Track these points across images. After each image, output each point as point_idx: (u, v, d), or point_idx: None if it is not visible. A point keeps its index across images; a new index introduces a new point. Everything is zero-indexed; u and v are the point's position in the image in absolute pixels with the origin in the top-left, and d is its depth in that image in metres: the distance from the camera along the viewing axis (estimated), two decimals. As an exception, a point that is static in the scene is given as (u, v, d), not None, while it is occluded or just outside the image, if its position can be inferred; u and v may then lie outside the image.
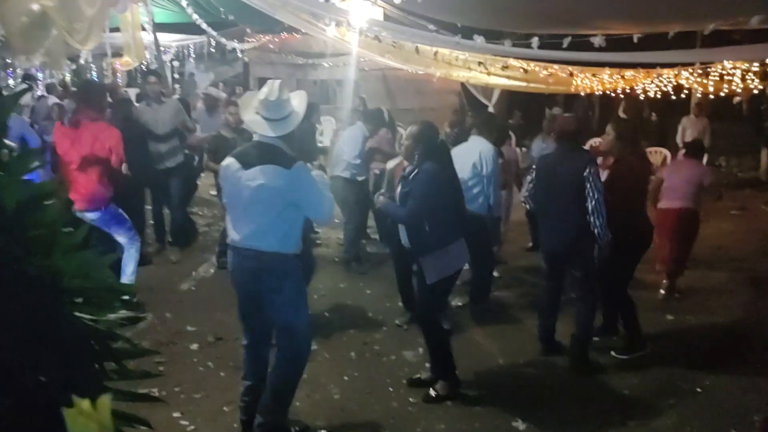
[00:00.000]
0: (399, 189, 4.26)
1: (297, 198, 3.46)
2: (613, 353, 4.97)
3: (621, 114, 15.78)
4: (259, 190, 3.42)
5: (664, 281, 6.25)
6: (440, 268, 4.13)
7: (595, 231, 4.43)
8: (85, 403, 0.81)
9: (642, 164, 5.13)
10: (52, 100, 10.59)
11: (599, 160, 4.96)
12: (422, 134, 4.15)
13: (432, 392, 4.30)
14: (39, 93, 10.46)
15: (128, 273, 5.51)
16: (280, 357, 3.70)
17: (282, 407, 3.73)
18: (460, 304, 5.92)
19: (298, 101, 3.62)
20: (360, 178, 7.01)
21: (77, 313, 1.80)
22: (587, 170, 4.43)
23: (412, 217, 4.10)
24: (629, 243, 4.76)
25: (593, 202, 4.40)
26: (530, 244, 7.62)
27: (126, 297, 1.94)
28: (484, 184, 5.45)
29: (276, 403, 3.69)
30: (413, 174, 4.14)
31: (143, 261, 6.32)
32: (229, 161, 3.59)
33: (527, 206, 5.15)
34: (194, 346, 5.06)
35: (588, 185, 4.41)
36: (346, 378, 4.62)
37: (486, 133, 5.73)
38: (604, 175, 4.77)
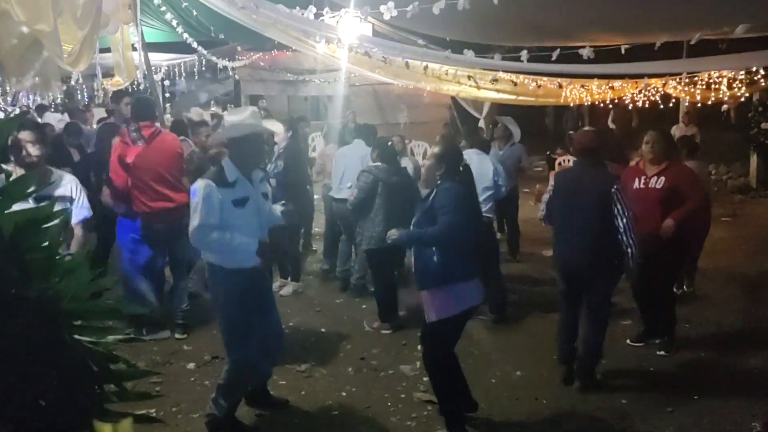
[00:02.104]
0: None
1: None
2: (661, 352, 5.16)
3: (610, 124, 15.99)
4: None
5: None
6: (441, 307, 3.83)
7: (629, 250, 4.32)
8: (107, 428, 0.82)
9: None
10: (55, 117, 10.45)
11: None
12: (446, 154, 3.95)
13: None
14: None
15: (181, 295, 5.66)
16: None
17: (224, 402, 3.92)
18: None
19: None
20: None
21: (76, 336, 1.80)
22: (614, 188, 4.32)
23: (450, 230, 3.74)
24: (686, 247, 5.26)
25: (624, 220, 4.29)
26: None
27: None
28: (495, 190, 5.99)
29: (218, 396, 3.94)
30: (432, 194, 3.92)
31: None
32: None
33: (546, 225, 4.93)
34: (191, 366, 5.04)
35: (617, 204, 4.29)
36: (344, 394, 4.61)
37: (485, 148, 6.38)
38: (660, 182, 4.95)
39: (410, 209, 4.48)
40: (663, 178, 4.94)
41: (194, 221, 3.66)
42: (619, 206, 4.30)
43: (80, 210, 4.39)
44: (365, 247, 5.83)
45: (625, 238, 4.31)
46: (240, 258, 3.77)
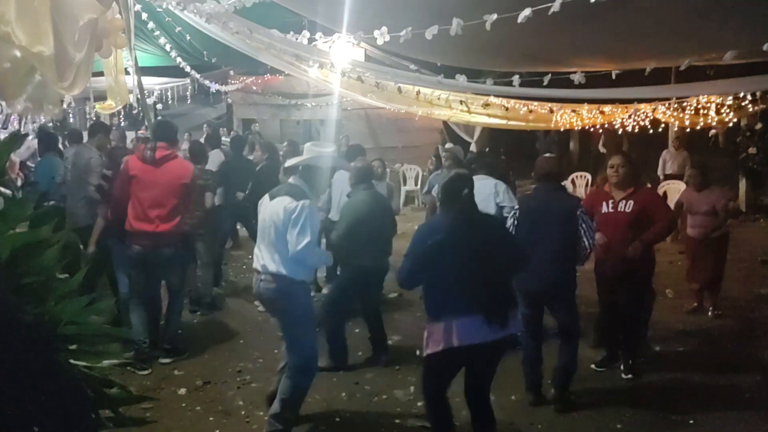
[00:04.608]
0: None
1: (288, 227, 3.93)
2: (628, 376, 5.16)
3: (601, 148, 16.12)
4: (273, 217, 4.03)
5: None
6: (427, 342, 3.66)
7: (585, 246, 4.50)
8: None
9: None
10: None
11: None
12: (445, 185, 3.85)
13: None
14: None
15: (172, 322, 5.66)
16: (288, 369, 4.18)
17: (288, 415, 4.14)
18: None
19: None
20: None
21: (72, 361, 1.78)
22: (579, 210, 4.51)
23: (402, 282, 3.75)
24: (651, 271, 5.26)
25: (590, 241, 4.47)
26: None
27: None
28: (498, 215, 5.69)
29: (283, 410, 4.10)
30: None
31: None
32: (264, 197, 4.27)
33: None
34: (182, 391, 4.98)
35: (582, 224, 4.46)
36: (338, 419, 4.57)
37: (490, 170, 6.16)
38: (629, 206, 5.01)
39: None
40: (632, 202, 5.03)
41: (305, 238, 3.89)
42: (584, 226, 4.47)
43: None
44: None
45: (585, 242, 4.48)
46: (312, 270, 4.27)
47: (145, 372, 5.24)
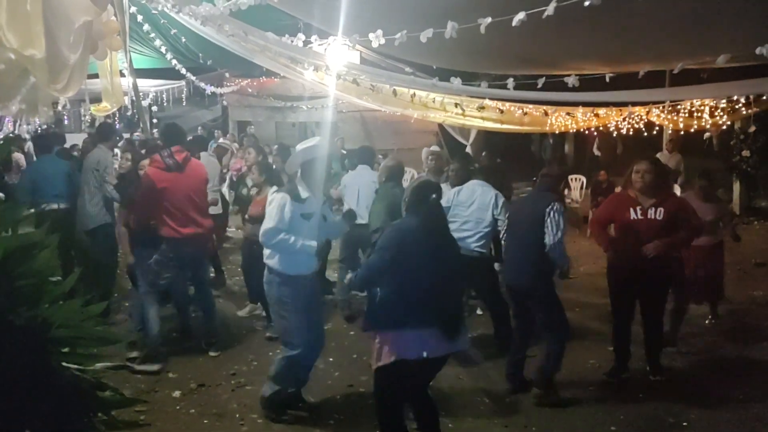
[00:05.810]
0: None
1: None
2: (657, 378, 5.18)
3: (595, 151, 16.16)
4: None
5: None
6: (379, 353, 3.55)
7: (560, 263, 4.70)
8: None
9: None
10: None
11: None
12: (413, 190, 3.75)
13: None
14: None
15: (211, 314, 5.92)
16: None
17: (272, 385, 4.48)
18: None
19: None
20: None
21: (65, 363, 1.78)
22: (550, 206, 4.62)
23: (363, 280, 3.67)
24: (669, 275, 5.21)
25: (553, 237, 4.57)
26: None
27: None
28: (492, 227, 5.74)
29: (268, 378, 4.53)
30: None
31: None
32: None
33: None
34: (176, 394, 4.98)
35: (548, 220, 4.58)
36: (331, 422, 4.57)
37: (490, 177, 6.10)
38: (659, 213, 4.91)
39: None
40: (662, 209, 4.91)
41: (268, 224, 4.26)
42: (548, 222, 4.58)
43: None
44: None
45: (552, 253, 4.60)
46: (300, 264, 4.34)
47: (155, 368, 5.29)
